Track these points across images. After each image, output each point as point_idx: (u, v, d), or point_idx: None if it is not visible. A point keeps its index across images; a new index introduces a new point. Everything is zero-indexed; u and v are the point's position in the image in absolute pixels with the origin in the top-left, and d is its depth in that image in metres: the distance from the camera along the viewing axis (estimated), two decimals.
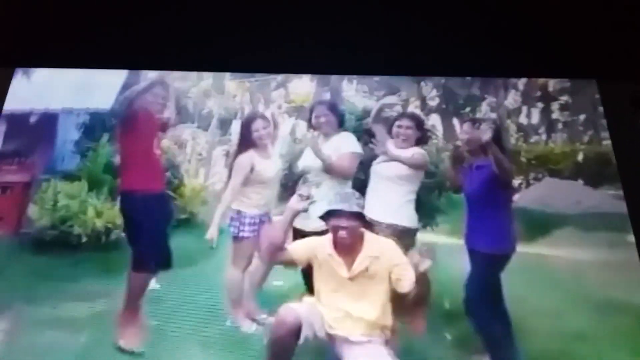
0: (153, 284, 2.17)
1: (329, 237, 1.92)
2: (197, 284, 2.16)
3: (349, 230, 1.86)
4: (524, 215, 2.18)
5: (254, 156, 2.30)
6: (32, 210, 2.40)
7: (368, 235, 1.93)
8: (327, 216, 1.92)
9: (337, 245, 1.88)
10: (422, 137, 2.29)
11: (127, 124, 2.33)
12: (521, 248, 2.07)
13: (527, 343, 1.96)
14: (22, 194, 2.46)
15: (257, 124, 2.34)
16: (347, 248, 1.87)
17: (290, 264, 1.94)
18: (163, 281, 2.18)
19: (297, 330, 1.73)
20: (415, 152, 2.24)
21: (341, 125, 2.36)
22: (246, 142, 2.32)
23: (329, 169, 2.23)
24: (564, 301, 2.06)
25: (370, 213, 2.10)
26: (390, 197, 2.19)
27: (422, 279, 1.88)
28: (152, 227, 2.23)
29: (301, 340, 1.73)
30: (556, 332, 2.00)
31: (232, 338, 2.05)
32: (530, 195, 2.30)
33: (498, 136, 2.16)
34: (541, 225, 2.21)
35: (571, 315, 2.03)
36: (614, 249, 2.11)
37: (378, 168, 2.26)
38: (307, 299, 1.91)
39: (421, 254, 1.86)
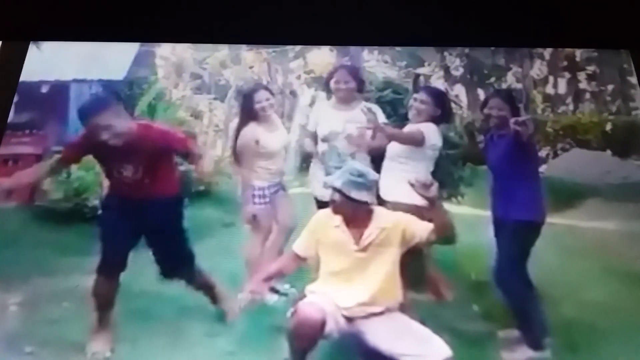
0: None
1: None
2: (217, 255, 2.12)
3: (351, 209, 1.83)
4: (551, 185, 2.14)
5: (257, 129, 2.24)
6: (46, 183, 2.34)
7: (377, 210, 1.88)
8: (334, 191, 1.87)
9: (344, 217, 1.84)
10: (441, 116, 2.20)
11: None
12: (549, 219, 2.01)
13: (553, 312, 1.92)
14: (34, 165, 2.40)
15: (260, 95, 2.27)
16: (355, 220, 1.84)
17: (302, 263, 1.91)
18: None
19: (322, 326, 1.68)
20: (414, 128, 2.16)
21: (360, 91, 2.30)
22: (248, 113, 2.26)
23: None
24: (590, 272, 2.03)
25: (380, 191, 2.06)
26: (395, 176, 2.13)
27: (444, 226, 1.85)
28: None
29: (325, 333, 1.70)
30: (582, 303, 1.97)
31: (254, 309, 2.01)
32: (558, 165, 2.26)
33: (515, 105, 2.11)
34: (569, 196, 2.17)
35: (599, 286, 2.00)
36: None
37: (388, 149, 2.20)
38: (317, 285, 1.85)
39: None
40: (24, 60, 2.43)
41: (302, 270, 1.95)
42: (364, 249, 1.81)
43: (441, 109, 2.20)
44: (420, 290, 1.97)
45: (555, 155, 2.30)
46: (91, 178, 2.31)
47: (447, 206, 2.16)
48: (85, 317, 1.94)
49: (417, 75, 2.36)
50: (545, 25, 2.29)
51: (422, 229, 1.83)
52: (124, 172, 2.00)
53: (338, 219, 1.85)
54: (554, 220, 2.05)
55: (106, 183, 2.12)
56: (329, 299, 1.76)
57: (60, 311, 1.99)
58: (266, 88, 2.33)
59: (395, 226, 1.84)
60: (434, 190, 1.82)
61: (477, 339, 1.86)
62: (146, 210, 2.01)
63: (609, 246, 2.07)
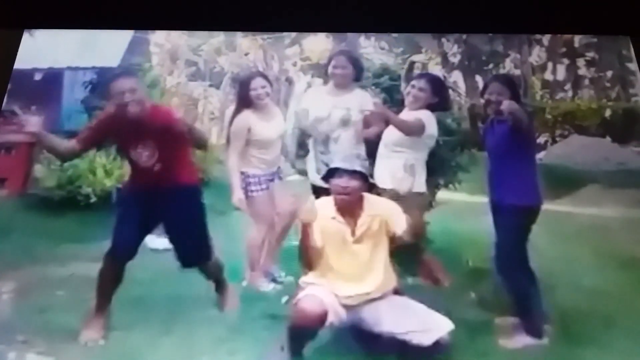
0: (166, 244, 2.10)
1: (329, 199, 1.83)
2: (214, 242, 2.10)
3: (349, 190, 1.77)
4: (550, 172, 2.12)
5: (250, 116, 2.20)
6: (39, 171, 2.32)
7: (368, 197, 1.84)
8: (329, 176, 1.82)
9: (339, 207, 1.80)
10: (438, 103, 2.16)
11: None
12: (547, 205, 1.98)
13: (551, 300, 1.90)
14: (27, 154, 2.38)
15: (256, 83, 2.22)
16: (349, 210, 1.80)
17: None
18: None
19: (323, 319, 1.66)
20: (414, 117, 2.12)
21: (358, 79, 2.26)
22: (243, 101, 2.22)
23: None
24: (590, 258, 2.01)
25: (376, 179, 2.02)
26: (391, 164, 2.10)
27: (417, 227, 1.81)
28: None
29: (326, 325, 1.68)
30: (580, 290, 1.96)
31: (250, 297, 1.99)
32: (556, 152, 2.23)
33: (515, 90, 2.08)
34: (567, 182, 2.15)
35: (597, 272, 1.98)
36: None
37: (384, 133, 2.17)
38: (314, 277, 1.80)
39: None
40: (17, 47, 2.40)
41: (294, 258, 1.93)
42: (359, 240, 1.78)
43: (439, 97, 2.16)
44: (416, 275, 1.96)
45: (554, 141, 2.28)
46: (84, 166, 2.30)
47: (444, 193, 2.15)
48: (79, 306, 1.92)
49: (412, 63, 2.32)
50: (544, 11, 2.26)
51: (399, 225, 1.79)
52: (141, 154, 1.93)
53: (333, 210, 1.80)
54: (552, 207, 2.04)
55: (127, 170, 2.06)
56: (328, 290, 1.73)
57: (53, 300, 1.97)
58: (262, 75, 2.29)
59: (382, 215, 1.80)
60: (407, 184, 1.77)
61: (474, 326, 1.84)
62: (166, 198, 1.94)
63: (608, 233, 2.05)
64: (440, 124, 2.18)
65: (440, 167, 2.16)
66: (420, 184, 2.10)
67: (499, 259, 1.93)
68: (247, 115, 2.20)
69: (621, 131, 2.20)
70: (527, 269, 1.92)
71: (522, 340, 1.85)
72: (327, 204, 1.83)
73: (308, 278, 1.80)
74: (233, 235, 2.19)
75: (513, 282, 1.91)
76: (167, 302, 1.96)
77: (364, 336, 1.72)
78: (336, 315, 1.69)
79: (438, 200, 2.23)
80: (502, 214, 1.95)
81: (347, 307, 1.73)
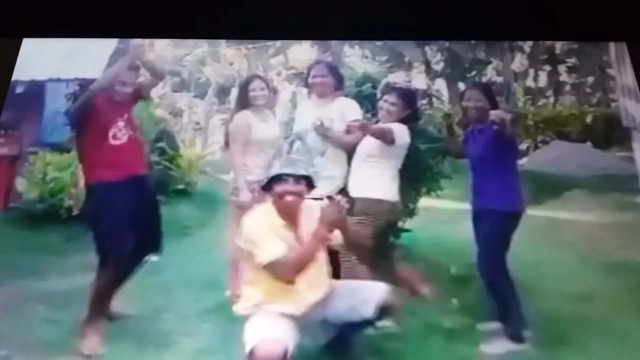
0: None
1: (269, 206, 1.72)
2: (197, 254, 2.09)
3: (296, 194, 1.67)
4: (532, 178, 2.13)
5: (250, 116, 2.20)
6: (21, 184, 2.30)
7: (305, 201, 1.73)
8: (272, 183, 1.70)
9: (280, 211, 1.69)
10: (409, 116, 2.15)
11: (82, 121, 2.05)
12: (530, 211, 2.00)
13: (534, 305, 1.89)
14: (9, 167, 2.36)
15: (255, 84, 2.23)
16: (291, 214, 1.69)
17: None
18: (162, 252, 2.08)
19: (286, 356, 1.56)
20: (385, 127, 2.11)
21: (339, 88, 2.25)
22: (242, 102, 2.22)
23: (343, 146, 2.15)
24: (573, 263, 2.02)
25: (349, 188, 2.07)
26: (365, 173, 2.10)
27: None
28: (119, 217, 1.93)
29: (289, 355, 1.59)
30: (565, 294, 1.96)
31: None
32: (539, 158, 2.25)
33: (493, 97, 2.09)
34: (550, 188, 2.16)
35: (580, 277, 1.99)
36: (624, 210, 2.07)
37: (358, 145, 2.15)
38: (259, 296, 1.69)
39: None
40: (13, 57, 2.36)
41: None
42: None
43: (410, 110, 2.17)
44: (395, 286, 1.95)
45: (536, 147, 2.30)
46: (67, 179, 2.28)
47: (426, 200, 2.14)
48: (61, 320, 1.90)
49: (387, 84, 2.31)
50: (529, 18, 2.25)
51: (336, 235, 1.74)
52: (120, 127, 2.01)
53: (278, 217, 1.69)
54: (534, 213, 2.04)
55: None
56: (280, 324, 1.62)
57: (35, 314, 1.95)
58: (261, 78, 2.30)
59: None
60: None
61: (456, 332, 1.84)
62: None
63: (589, 237, 2.07)
64: (423, 132, 2.19)
65: (422, 175, 2.16)
66: (393, 193, 2.09)
67: (481, 264, 1.94)
68: (246, 115, 2.19)
69: (602, 136, 2.22)
70: (506, 274, 1.92)
71: (504, 345, 1.85)
72: (271, 211, 1.71)
73: (255, 299, 1.68)
74: (216, 245, 2.17)
75: (494, 288, 1.91)
76: (147, 314, 1.94)
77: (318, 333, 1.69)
78: (293, 343, 1.61)
79: (420, 207, 2.23)
80: (485, 220, 1.96)
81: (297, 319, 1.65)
